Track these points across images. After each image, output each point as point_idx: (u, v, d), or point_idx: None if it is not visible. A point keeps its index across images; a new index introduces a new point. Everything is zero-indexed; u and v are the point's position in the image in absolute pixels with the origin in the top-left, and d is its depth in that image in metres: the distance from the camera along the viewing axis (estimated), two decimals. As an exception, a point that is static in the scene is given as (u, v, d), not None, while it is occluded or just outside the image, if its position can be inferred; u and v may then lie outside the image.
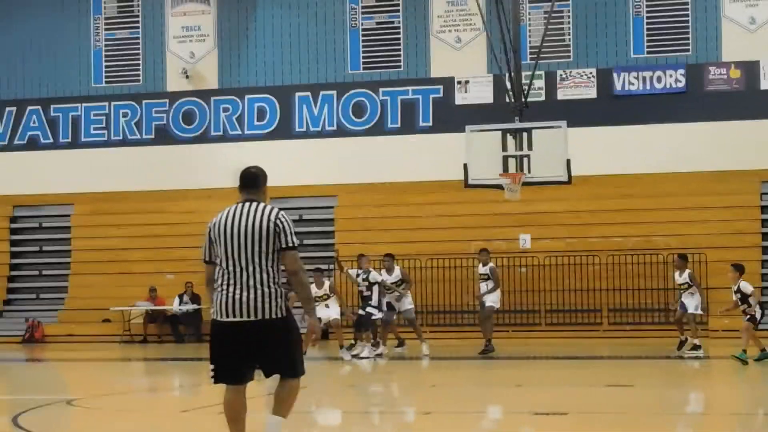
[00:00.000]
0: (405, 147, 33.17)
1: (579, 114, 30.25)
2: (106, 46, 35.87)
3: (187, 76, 35.05)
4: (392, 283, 24.49)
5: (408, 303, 24.81)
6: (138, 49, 35.70)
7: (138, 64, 35.68)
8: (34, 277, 35.01)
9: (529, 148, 25.18)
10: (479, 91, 33.00)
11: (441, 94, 33.46)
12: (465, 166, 25.47)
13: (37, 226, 35.68)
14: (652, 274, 28.88)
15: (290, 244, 9.44)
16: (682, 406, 16.51)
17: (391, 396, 18.69)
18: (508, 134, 25.50)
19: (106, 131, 35.62)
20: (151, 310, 31.82)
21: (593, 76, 32.55)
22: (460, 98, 33.24)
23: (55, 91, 35.74)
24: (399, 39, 34.03)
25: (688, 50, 32.35)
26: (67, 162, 35.37)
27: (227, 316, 9.47)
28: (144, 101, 35.42)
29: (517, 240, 30.73)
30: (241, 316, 9.42)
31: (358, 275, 24.46)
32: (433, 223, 31.72)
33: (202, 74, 35.10)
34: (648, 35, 32.55)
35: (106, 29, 35.89)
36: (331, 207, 33.45)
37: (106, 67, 35.83)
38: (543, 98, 31.76)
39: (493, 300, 24.49)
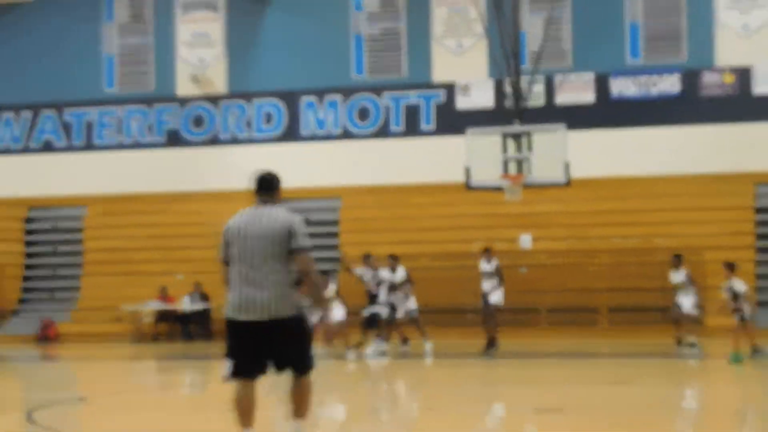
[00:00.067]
0: (408, 150, 33.15)
1: (577, 118, 30.19)
2: (118, 52, 35.86)
3: (197, 82, 35.03)
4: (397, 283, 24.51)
5: (411, 302, 24.82)
6: (149, 55, 35.70)
7: (149, 70, 35.67)
8: (48, 277, 34.98)
9: (529, 150, 25.14)
10: (480, 96, 32.97)
11: (443, 99, 33.43)
12: (466, 168, 25.43)
13: (51, 228, 35.66)
14: (650, 275, 28.75)
15: (302, 246, 9.57)
16: (680, 403, 16.46)
17: (395, 393, 18.64)
18: (508, 137, 25.45)
19: (118, 135, 35.63)
20: (161, 309, 31.77)
21: (591, 81, 32.52)
22: (462, 102, 33.21)
23: (69, 96, 35.73)
24: (402, 45, 34.00)
25: (683, 56, 32.30)
26: (80, 165, 35.38)
27: (241, 315, 9.60)
28: (155, 106, 35.42)
29: (518, 240, 30.66)
30: (255, 315, 9.55)
31: (364, 274, 24.49)
32: (435, 224, 31.66)
33: (211, 79, 35.09)
34: (644, 41, 32.52)
35: (118, 36, 35.88)
36: (337, 208, 33.42)
37: (119, 72, 35.83)
38: (542, 102, 31.70)
39: (497, 297, 24.51)
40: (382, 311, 24.04)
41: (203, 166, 34.51)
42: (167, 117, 35.33)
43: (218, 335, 30.86)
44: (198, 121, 35.14)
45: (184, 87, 35.35)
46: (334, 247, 30.77)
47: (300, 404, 9.82)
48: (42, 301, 34.38)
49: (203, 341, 30.85)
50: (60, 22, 35.94)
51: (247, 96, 34.80)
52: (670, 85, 32.02)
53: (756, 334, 21.68)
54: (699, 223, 30.31)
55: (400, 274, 24.73)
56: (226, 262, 9.83)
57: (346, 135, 34.00)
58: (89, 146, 35.72)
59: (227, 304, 9.73)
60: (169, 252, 33.12)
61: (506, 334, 25.33)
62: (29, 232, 35.83)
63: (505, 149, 25.31)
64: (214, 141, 34.93)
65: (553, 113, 30.20)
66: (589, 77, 32.48)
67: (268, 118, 34.66)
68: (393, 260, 24.82)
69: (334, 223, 33.07)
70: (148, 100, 35.49)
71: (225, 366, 9.76)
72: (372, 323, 24.37)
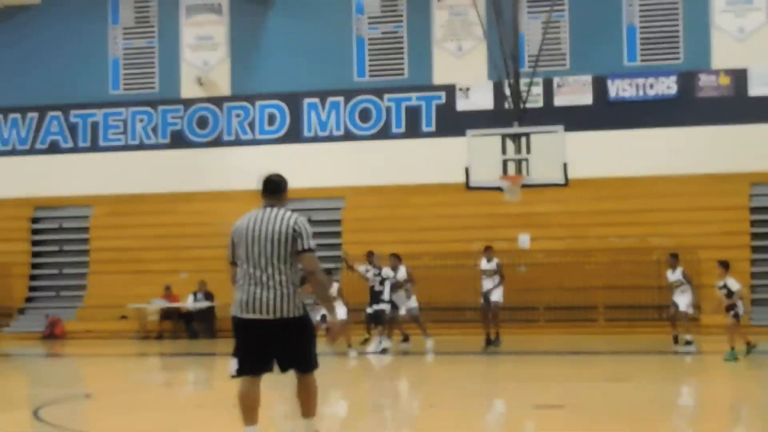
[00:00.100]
0: (409, 151, 33.14)
1: (575, 119, 30.16)
2: (123, 54, 35.87)
3: (201, 84, 35.05)
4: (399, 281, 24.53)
5: (412, 300, 24.82)
6: (154, 57, 35.70)
7: (154, 72, 35.67)
8: (55, 275, 34.98)
9: (528, 151, 25.12)
10: (480, 98, 32.95)
11: (443, 101, 33.41)
12: (466, 169, 25.38)
13: (57, 227, 35.66)
14: (647, 273, 28.76)
15: (307, 247, 9.63)
16: (676, 399, 16.44)
17: (397, 389, 18.62)
18: (507, 138, 25.43)
19: (123, 136, 35.61)
20: (166, 308, 31.76)
21: (588, 83, 32.50)
22: (462, 104, 33.20)
23: (75, 98, 35.72)
24: (403, 48, 33.99)
25: (679, 58, 32.30)
26: (86, 165, 35.37)
27: (247, 313, 9.67)
28: (160, 107, 35.41)
29: (517, 240, 30.64)
30: (261, 314, 9.61)
31: (367, 271, 24.51)
32: (436, 224, 31.66)
33: (215, 81, 35.09)
34: (641, 44, 32.51)
35: (123, 38, 35.89)
36: (339, 208, 33.41)
37: (124, 74, 35.83)
38: (541, 104, 31.70)
39: (498, 296, 24.58)
40: (387, 309, 24.08)
41: (207, 167, 34.50)
42: (172, 118, 35.30)
43: (222, 333, 30.88)
44: (202, 123, 35.13)
45: (188, 89, 35.34)
46: (337, 246, 30.74)
47: (307, 403, 9.86)
48: (48, 299, 34.38)
49: (207, 339, 30.86)
50: (66, 25, 35.93)
51: (251, 98, 34.79)
52: (666, 86, 32.01)
53: (747, 331, 21.67)
54: (695, 223, 30.29)
55: (402, 272, 24.73)
56: (234, 263, 9.89)
57: (348, 136, 33.98)
58: (95, 147, 35.71)
59: (234, 303, 9.78)
60: (173, 251, 33.11)
61: (506, 331, 25.33)
62: (36, 232, 35.83)
63: (504, 150, 25.28)
64: (218, 142, 34.92)
65: (551, 115, 30.17)
66: (587, 79, 32.47)
67: (271, 119, 34.65)
68: (395, 259, 24.82)
69: (337, 222, 33.05)
70: (152, 102, 35.49)
71: (232, 364, 9.80)
72: (377, 320, 24.36)
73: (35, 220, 35.87)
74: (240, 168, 33.96)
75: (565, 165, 24.74)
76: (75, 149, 35.80)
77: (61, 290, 34.52)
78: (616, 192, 31.31)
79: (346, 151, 33.71)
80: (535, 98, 30.49)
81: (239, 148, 34.58)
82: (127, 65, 35.84)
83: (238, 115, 34.85)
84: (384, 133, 33.76)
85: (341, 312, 23.81)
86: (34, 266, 35.32)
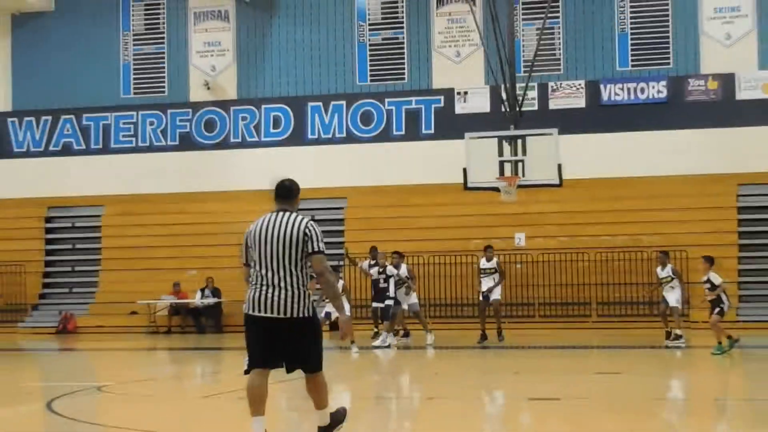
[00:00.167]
0: (409, 153, 33.12)
1: (569, 122, 30.13)
2: (134, 60, 35.85)
3: (208, 88, 35.04)
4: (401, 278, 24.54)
5: (413, 297, 24.83)
6: (163, 62, 35.68)
7: (163, 77, 35.66)
8: (67, 272, 34.98)
9: (524, 153, 25.08)
10: (477, 101, 32.93)
11: (442, 104, 33.39)
12: (464, 170, 25.36)
13: (70, 226, 35.64)
14: (638, 270, 28.76)
15: (317, 250, 9.70)
16: (666, 392, 16.43)
17: (398, 383, 18.61)
18: (504, 141, 25.40)
19: (134, 138, 35.59)
20: (174, 303, 31.76)
21: (582, 88, 32.47)
22: (460, 108, 33.17)
23: (87, 102, 35.69)
24: (403, 53, 33.97)
25: (669, 63, 32.28)
26: (98, 167, 35.35)
27: (258, 311, 9.72)
28: (169, 111, 35.39)
29: (513, 238, 30.62)
30: (272, 313, 9.67)
31: (371, 266, 24.52)
32: (435, 223, 31.63)
33: (222, 86, 35.07)
34: (632, 50, 32.48)
35: (134, 44, 35.87)
36: (341, 208, 33.38)
37: (134, 79, 35.82)
38: (536, 108, 31.64)
39: (498, 294, 24.65)
40: (393, 304, 24.13)
41: (214, 168, 34.48)
42: (180, 121, 35.29)
43: (229, 328, 30.90)
44: (209, 126, 35.10)
45: (196, 93, 35.33)
46: (339, 245, 30.71)
47: (318, 398, 10.00)
48: (62, 295, 34.36)
49: (215, 333, 30.87)
50: (79, 31, 35.91)
51: (256, 101, 34.77)
52: (657, 91, 31.98)
53: (734, 326, 21.63)
54: (685, 222, 30.28)
55: (403, 269, 24.74)
56: (247, 264, 9.96)
57: (350, 138, 33.96)
58: (106, 149, 35.69)
59: (246, 302, 9.84)
60: (182, 249, 33.09)
61: (502, 325, 25.27)
62: (49, 231, 35.80)
63: (501, 152, 25.25)
64: (225, 144, 34.89)
65: (546, 118, 30.14)
66: (580, 84, 32.45)
67: (276, 122, 34.62)
68: (398, 256, 24.83)
69: (340, 222, 33.03)
70: (162, 106, 35.47)
71: (244, 361, 9.90)
72: (384, 316, 24.36)
73: (49, 220, 35.85)
74: (246, 169, 34.01)
75: (559, 166, 24.71)
76: (87, 151, 35.79)
77: (74, 287, 34.51)
78: (609, 192, 31.29)
79: (348, 153, 33.69)
80: (530, 102, 30.44)
81: (245, 150, 34.57)
82: (138, 70, 35.83)
83: (244, 118, 34.83)
84: (385, 136, 33.73)
85: (345, 308, 23.83)
86: (48, 264, 35.32)
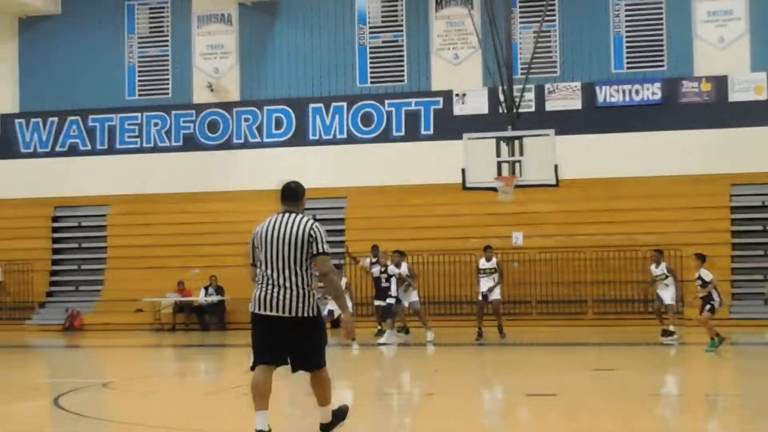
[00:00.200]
0: (408, 153, 33.13)
1: (565, 123, 30.12)
2: (138, 62, 35.85)
3: (211, 90, 35.03)
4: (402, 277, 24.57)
5: (414, 295, 24.83)
6: (167, 65, 35.68)
7: (167, 79, 35.65)
8: (74, 271, 34.96)
9: (521, 154, 25.07)
10: (475, 103, 32.92)
11: (441, 106, 33.38)
12: (463, 170, 25.35)
13: (76, 225, 35.63)
14: (633, 269, 28.75)
15: (322, 251, 9.79)
16: (661, 387, 16.43)
17: (398, 379, 18.60)
18: (501, 141, 25.39)
19: (138, 139, 35.58)
20: (179, 301, 31.74)
21: (578, 89, 32.46)
22: (458, 109, 33.16)
23: (93, 103, 35.70)
24: (403, 56, 33.96)
25: (663, 66, 32.27)
26: (103, 167, 35.36)
27: (264, 310, 9.81)
28: (173, 112, 35.38)
29: (511, 237, 30.60)
30: (277, 311, 9.76)
31: (372, 265, 24.52)
32: (434, 222, 31.63)
33: (225, 88, 35.07)
34: (627, 52, 32.48)
35: (139, 47, 35.87)
36: (342, 207, 33.37)
37: (139, 81, 35.82)
38: (533, 109, 31.65)
39: (498, 294, 24.70)
40: (395, 302, 24.17)
41: (217, 169, 34.47)
42: (184, 122, 35.29)
43: (232, 325, 30.90)
44: (213, 127, 35.10)
45: (199, 95, 35.32)
46: (340, 244, 30.70)
47: (321, 394, 10.08)
48: (68, 293, 34.36)
49: (218, 331, 30.86)
50: (85, 34, 35.92)
51: (258, 103, 34.76)
52: (651, 93, 31.97)
53: (727, 324, 21.58)
54: (679, 221, 30.26)
55: (404, 268, 24.75)
56: (254, 264, 10.04)
57: (351, 139, 33.95)
58: (111, 150, 35.69)
59: (253, 301, 9.91)
60: (186, 248, 33.07)
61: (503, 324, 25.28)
62: (56, 230, 35.79)
63: (498, 153, 25.24)
64: (228, 145, 34.89)
65: (543, 119, 30.16)
66: (576, 85, 32.43)
67: (278, 123, 34.62)
68: (399, 255, 24.85)
69: (340, 221, 33.01)
70: (166, 107, 35.46)
71: (250, 359, 9.99)
72: (387, 314, 24.37)
73: (55, 219, 35.83)
74: (248, 169, 34.03)
75: (556, 166, 24.71)
76: (93, 152, 35.79)
77: (80, 285, 34.50)
78: (604, 192, 31.28)
79: (348, 153, 33.68)
80: (527, 103, 30.43)
81: (248, 151, 34.57)
82: (142, 72, 35.83)
83: (246, 120, 34.83)
84: (385, 137, 33.72)
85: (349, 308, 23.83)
86: (55, 262, 35.31)
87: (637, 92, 32.07)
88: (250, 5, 34.93)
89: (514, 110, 27.00)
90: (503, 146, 25.32)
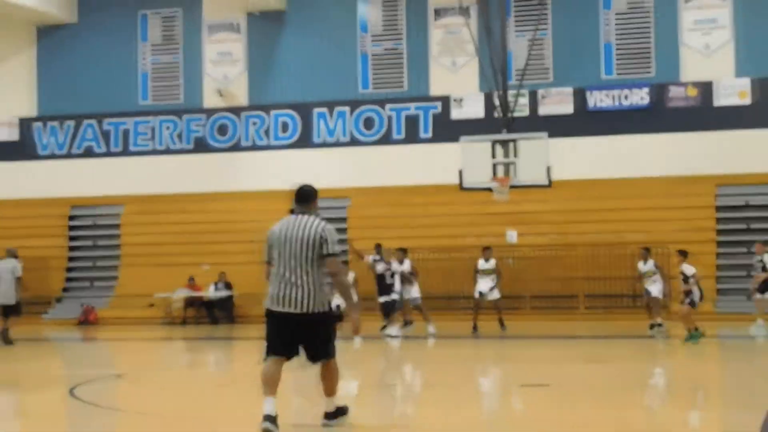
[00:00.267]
0: (408, 155, 33.10)
1: (558, 127, 30.07)
2: (151, 69, 35.84)
3: (221, 95, 35.01)
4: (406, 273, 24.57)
5: (415, 291, 24.82)
6: (179, 71, 35.67)
7: (179, 85, 35.64)
8: (89, 267, 34.96)
9: (515, 156, 25.10)
10: (472, 108, 32.90)
11: (439, 110, 33.35)
12: (460, 171, 25.37)
13: (91, 224, 35.63)
14: (622, 265, 28.70)
15: (332, 252, 9.96)
16: (649, 378, 16.41)
17: (400, 370, 18.58)
18: (496, 144, 25.40)
19: (151, 142, 35.57)
20: (189, 296, 31.73)
21: (570, 95, 32.42)
22: (456, 113, 33.13)
23: (108, 107, 35.71)
24: (403, 63, 33.94)
25: (651, 72, 32.24)
26: (118, 168, 35.36)
27: (278, 307, 9.93)
28: (184, 116, 35.37)
29: (505, 235, 30.56)
30: (290, 308, 9.88)
31: (375, 261, 24.51)
32: (432, 221, 31.61)
33: (234, 93, 35.04)
34: (617, 59, 32.45)
35: (152, 54, 35.86)
36: (345, 207, 33.33)
37: (152, 86, 35.80)
38: (527, 113, 31.57)
39: (498, 293, 24.74)
40: (398, 299, 24.20)
41: (227, 170, 34.46)
42: (195, 126, 35.29)
43: (240, 319, 30.90)
44: (222, 130, 35.08)
45: (209, 100, 35.30)
46: (343, 242, 30.68)
47: (329, 384, 10.22)
48: (83, 289, 34.35)
49: (227, 324, 30.85)
50: (100, 42, 35.92)
51: (266, 108, 34.75)
52: (640, 97, 31.93)
53: (712, 318, 21.53)
54: (665, 221, 30.23)
55: (407, 265, 24.75)
56: (269, 262, 10.13)
57: (353, 142, 33.93)
58: (126, 152, 35.68)
59: (267, 298, 10.04)
60: (196, 245, 33.04)
61: (495, 318, 25.26)
62: (72, 228, 35.77)
63: (494, 155, 25.26)
64: (237, 147, 34.87)
65: (536, 123, 30.11)
66: (568, 91, 32.40)
67: (284, 127, 34.60)
68: (402, 253, 24.84)
69: (343, 220, 32.97)
70: (177, 112, 35.45)
71: (263, 351, 10.09)
72: (392, 309, 24.37)
73: (72, 218, 35.82)
74: (256, 171, 34.04)
75: (548, 168, 24.73)
76: (108, 154, 35.78)
77: (95, 281, 34.49)
78: (595, 192, 31.25)
79: (351, 155, 33.67)
80: (521, 108, 30.36)
81: (255, 153, 34.56)
82: (155, 78, 35.81)
83: (254, 123, 34.81)
84: (385, 140, 33.70)
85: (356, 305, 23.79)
86: (71, 259, 35.29)
87: (626, 97, 32.03)
88: (257, 15, 34.92)
89: (509, 114, 27.04)
90: (498, 149, 25.33)
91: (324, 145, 34.14)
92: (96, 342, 27.13)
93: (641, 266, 23.78)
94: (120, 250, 34.69)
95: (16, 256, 24.03)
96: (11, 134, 36.57)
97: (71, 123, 36.12)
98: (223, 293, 31.40)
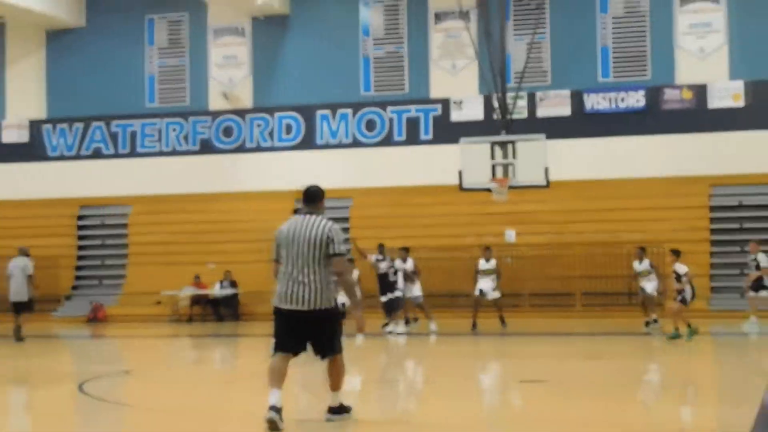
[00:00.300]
0: (409, 156, 33.10)
1: (555, 129, 30.08)
2: (158, 72, 35.85)
3: (226, 97, 35.01)
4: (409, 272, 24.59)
5: (417, 290, 24.83)
6: (185, 74, 35.67)
7: (185, 87, 35.65)
8: (98, 266, 34.98)
9: (514, 157, 25.09)
10: (471, 110, 32.89)
11: (439, 112, 33.35)
12: (460, 172, 25.36)
13: (100, 224, 35.65)
14: (618, 264, 28.70)
15: (338, 252, 10.02)
16: (644, 374, 16.41)
17: (401, 366, 18.58)
18: (495, 145, 25.40)
19: (158, 143, 35.58)
20: (195, 294, 31.74)
21: (567, 97, 32.40)
22: (456, 115, 33.12)
23: (116, 110, 35.72)
24: (404, 66, 33.94)
25: (647, 75, 32.22)
26: (125, 169, 35.38)
27: (286, 304, 10.00)
28: (190, 118, 35.37)
29: (504, 235, 30.56)
30: (297, 305, 9.95)
31: (377, 260, 24.54)
32: (433, 221, 31.61)
33: (238, 96, 35.04)
34: (613, 62, 32.43)
35: (158, 58, 35.87)
36: (347, 207, 33.33)
37: (159, 89, 35.81)
38: (525, 115, 31.57)
39: (498, 293, 24.75)
40: (401, 295, 24.25)
41: (232, 171, 34.47)
42: (200, 128, 35.30)
43: (245, 317, 30.91)
44: (227, 132, 35.09)
45: (215, 102, 35.31)
46: (347, 241, 30.67)
47: (335, 379, 10.28)
48: (92, 287, 34.37)
49: (232, 321, 30.86)
50: (108, 46, 35.93)
51: (270, 110, 34.76)
52: (636, 100, 31.92)
53: (707, 315, 21.51)
54: (661, 220, 30.23)
55: (410, 264, 24.77)
56: (277, 260, 10.19)
57: (356, 144, 33.93)
58: (133, 153, 35.69)
59: (275, 296, 10.11)
60: (202, 245, 33.07)
61: (493, 315, 25.27)
62: (81, 228, 35.79)
63: (493, 156, 25.25)
64: (241, 149, 34.87)
65: (534, 125, 30.10)
66: (565, 93, 32.39)
67: (288, 129, 34.60)
68: (404, 252, 24.85)
69: (345, 220, 32.98)
70: (184, 114, 35.46)
71: (271, 345, 10.17)
72: (395, 307, 24.40)
73: (81, 218, 35.84)
74: (260, 172, 34.05)
75: (546, 169, 24.72)
76: (116, 155, 35.79)
77: (104, 279, 34.52)
78: (592, 193, 31.25)
79: (353, 156, 33.67)
80: (520, 110, 30.38)
81: (260, 154, 34.56)
82: (162, 81, 35.83)
83: (258, 125, 34.82)
84: (387, 141, 33.70)
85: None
86: (80, 258, 35.31)
87: (622, 99, 32.02)
88: (262, 19, 34.92)
89: (508, 116, 27.02)
90: (497, 150, 25.33)
91: (327, 146, 34.15)
92: (104, 339, 27.14)
93: (637, 265, 23.79)
94: (128, 249, 34.71)
95: (28, 255, 24.08)
96: (21, 136, 36.60)
97: (80, 125, 36.14)
98: (229, 291, 31.41)
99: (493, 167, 25.21)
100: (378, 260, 24.62)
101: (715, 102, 31.37)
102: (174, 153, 35.36)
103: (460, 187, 25.68)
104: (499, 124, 27.09)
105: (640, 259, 23.71)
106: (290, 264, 9.96)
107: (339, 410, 10.35)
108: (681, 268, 20.71)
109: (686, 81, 31.75)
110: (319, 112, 34.26)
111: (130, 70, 35.86)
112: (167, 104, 35.69)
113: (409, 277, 24.56)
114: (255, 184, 33.83)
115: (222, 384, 15.24)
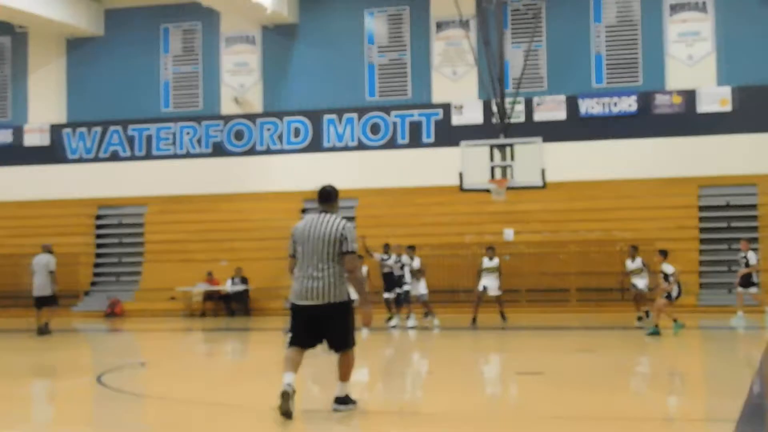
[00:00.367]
0: (412, 159, 33.11)
1: (551, 132, 30.12)
2: (173, 78, 35.87)
3: (237, 103, 35.03)
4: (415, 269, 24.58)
5: (422, 287, 24.80)
6: (198, 80, 35.69)
7: (198, 93, 35.67)
8: (115, 263, 34.99)
9: (512, 159, 25.07)
10: (471, 114, 32.88)
11: (441, 116, 33.35)
12: (460, 174, 25.36)
13: (117, 223, 35.67)
14: (611, 262, 28.66)
15: (350, 249, 10.04)
16: (636, 366, 16.40)
17: (404, 359, 18.58)
18: (494, 148, 25.38)
19: (172, 146, 35.60)
20: (208, 290, 31.76)
21: (563, 102, 32.38)
22: (456, 119, 33.11)
23: (132, 114, 35.75)
24: (407, 72, 33.94)
25: (638, 81, 32.20)
26: (141, 171, 35.40)
27: (302, 300, 10.05)
28: (203, 122, 35.40)
29: (502, 233, 30.55)
30: (312, 300, 10.00)
31: (383, 259, 24.55)
32: (434, 220, 31.62)
33: (249, 101, 35.07)
34: (606, 69, 32.41)
35: (173, 65, 35.89)
36: (353, 207, 33.34)
37: (173, 95, 35.83)
38: (522, 119, 31.60)
39: (500, 291, 24.72)
40: (409, 290, 24.27)
41: (243, 173, 34.49)
42: (213, 132, 35.32)
43: (256, 312, 30.91)
44: (238, 135, 35.11)
45: (227, 107, 35.33)
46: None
47: (344, 370, 10.28)
48: (110, 283, 34.39)
49: (243, 316, 30.86)
50: (125, 53, 35.97)
51: (279, 114, 34.77)
52: (628, 105, 31.90)
53: (696, 310, 21.48)
54: (652, 220, 30.22)
55: (417, 261, 24.77)
56: (293, 256, 10.22)
57: (361, 147, 33.93)
58: (149, 156, 35.71)
59: (291, 292, 10.16)
60: (214, 243, 33.09)
61: (494, 310, 25.26)
62: (99, 227, 35.82)
63: (492, 158, 25.24)
64: (252, 152, 34.89)
65: (531, 128, 30.12)
66: (561, 98, 32.37)
67: (296, 132, 34.62)
68: (411, 250, 24.84)
69: (351, 219, 32.99)
70: (197, 118, 35.49)
71: (287, 337, 10.23)
72: (403, 301, 24.39)
73: (99, 217, 35.88)
74: (270, 173, 34.07)
75: (542, 170, 24.72)
76: (132, 158, 35.82)
77: (121, 276, 34.54)
78: (586, 193, 31.25)
79: (359, 159, 33.68)
80: (517, 114, 30.42)
81: (269, 157, 34.58)
82: (176, 87, 35.85)
83: (268, 129, 34.84)
84: (391, 144, 33.70)
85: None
86: (98, 256, 35.33)
87: (615, 104, 32.01)
88: (271, 28, 34.94)
89: (506, 120, 27.03)
90: (496, 152, 25.32)
91: (333, 149, 34.15)
92: (121, 332, 27.16)
93: (629, 263, 23.75)
94: (144, 248, 34.73)
95: (51, 252, 24.12)
96: (43, 140, 36.64)
97: (98, 129, 36.18)
98: (240, 287, 31.41)
99: (492, 169, 25.20)
100: (383, 260, 24.62)
101: (703, 107, 31.34)
102: (188, 156, 35.39)
103: (461, 188, 25.68)
104: (497, 128, 27.10)
105: (633, 258, 23.68)
106: (306, 260, 10.00)
107: (345, 401, 10.34)
108: (668, 268, 20.65)
109: (676, 87, 31.73)
110: (326, 117, 34.27)
111: (146, 77, 35.90)
112: (181, 109, 35.72)
113: (415, 275, 24.55)
114: (265, 186, 33.86)
115: (234, 375, 15.25)
